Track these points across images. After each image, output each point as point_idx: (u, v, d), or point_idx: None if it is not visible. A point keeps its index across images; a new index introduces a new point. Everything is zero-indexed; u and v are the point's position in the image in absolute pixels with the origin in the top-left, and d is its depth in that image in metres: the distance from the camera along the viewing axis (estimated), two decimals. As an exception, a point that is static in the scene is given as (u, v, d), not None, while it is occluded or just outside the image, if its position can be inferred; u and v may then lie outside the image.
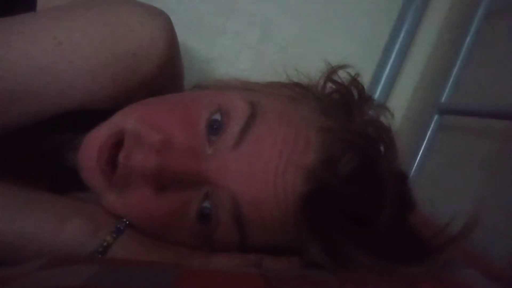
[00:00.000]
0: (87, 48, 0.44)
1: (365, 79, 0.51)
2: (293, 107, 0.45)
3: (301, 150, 0.41)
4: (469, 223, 0.38)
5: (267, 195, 0.40)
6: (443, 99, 0.81)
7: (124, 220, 0.43)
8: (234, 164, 0.40)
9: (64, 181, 0.52)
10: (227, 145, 0.41)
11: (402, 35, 0.91)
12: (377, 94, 0.91)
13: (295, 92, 0.48)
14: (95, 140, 0.43)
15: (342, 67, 0.49)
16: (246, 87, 0.50)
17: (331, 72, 0.49)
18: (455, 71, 0.80)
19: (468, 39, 0.79)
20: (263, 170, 0.40)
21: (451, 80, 0.80)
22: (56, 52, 0.43)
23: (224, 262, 0.41)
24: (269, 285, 0.30)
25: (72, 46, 0.44)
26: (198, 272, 0.32)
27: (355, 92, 0.47)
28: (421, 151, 0.80)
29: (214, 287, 0.29)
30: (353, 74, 0.48)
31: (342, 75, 0.49)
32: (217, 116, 0.42)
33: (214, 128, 0.42)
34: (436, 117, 0.80)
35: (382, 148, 0.44)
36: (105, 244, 0.41)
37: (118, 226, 0.43)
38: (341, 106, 0.46)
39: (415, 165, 0.79)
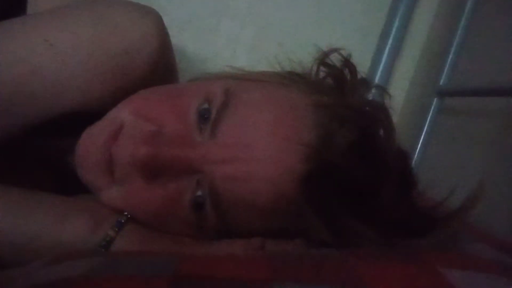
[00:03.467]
0: (78, 49, 0.44)
1: (363, 67, 0.51)
2: (281, 91, 0.45)
3: (294, 129, 0.40)
4: (472, 196, 0.37)
5: (254, 176, 0.39)
6: (441, 81, 0.80)
7: (126, 214, 0.43)
8: (214, 150, 0.40)
9: (68, 184, 0.53)
10: (209, 132, 0.41)
11: (397, 20, 0.91)
12: (376, 81, 0.91)
13: (286, 78, 0.48)
14: (92, 138, 0.44)
15: (334, 50, 0.48)
16: (233, 76, 0.50)
17: (322, 56, 0.48)
18: (452, 53, 0.80)
19: (463, 20, 0.79)
20: (245, 153, 0.39)
21: (448, 62, 0.80)
22: (48, 54, 0.43)
23: (226, 248, 0.41)
24: (271, 263, 0.30)
25: (64, 47, 0.44)
26: (199, 255, 0.31)
27: (347, 72, 0.46)
28: (423, 134, 0.79)
29: (215, 268, 0.28)
30: (344, 56, 0.48)
31: (336, 61, 0.49)
32: (206, 105, 0.42)
33: (205, 118, 0.42)
34: (436, 99, 0.80)
35: (379, 125, 0.43)
36: (108, 238, 0.41)
37: (119, 219, 0.43)
38: (334, 86, 0.45)
39: (418, 148, 0.79)
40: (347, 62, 0.47)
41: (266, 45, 0.93)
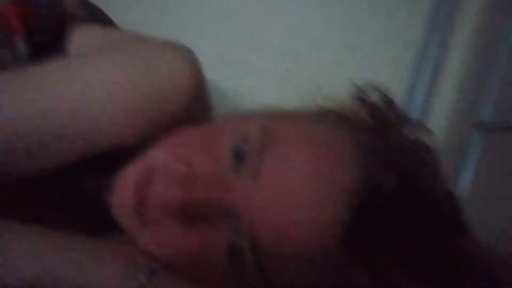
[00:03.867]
0: (116, 90, 0.45)
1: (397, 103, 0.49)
2: (320, 130, 0.43)
3: (335, 171, 0.39)
4: None
5: (295, 225, 0.37)
6: (482, 116, 0.77)
7: (160, 263, 0.42)
8: (255, 194, 0.38)
9: (101, 224, 0.52)
10: (247, 173, 0.39)
11: (432, 55, 0.89)
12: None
13: (322, 115, 0.46)
14: (126, 181, 0.43)
15: (371, 86, 0.47)
16: (267, 114, 0.49)
17: (359, 92, 0.47)
18: (494, 86, 0.77)
19: (503, 51, 0.77)
20: (286, 198, 0.38)
21: (490, 95, 0.77)
22: (88, 95, 0.44)
23: None
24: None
25: (102, 89, 0.44)
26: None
27: (386, 109, 0.45)
28: (463, 172, 0.76)
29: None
30: (383, 91, 0.46)
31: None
32: (241, 144, 0.41)
33: (240, 156, 0.40)
34: (476, 135, 0.77)
35: (426, 167, 0.41)
36: None
37: (154, 269, 0.41)
38: (373, 123, 0.44)
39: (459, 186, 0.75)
40: (386, 98, 0.45)
41: (298, 81, 0.93)
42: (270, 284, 0.40)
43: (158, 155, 0.44)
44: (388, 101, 0.46)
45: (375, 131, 0.43)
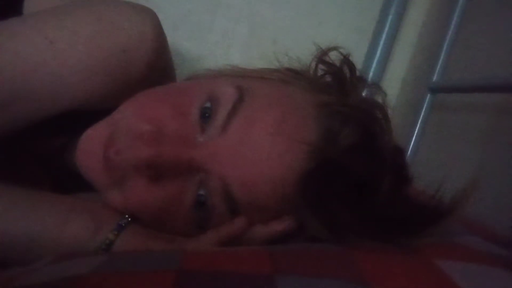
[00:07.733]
0: (78, 47, 0.44)
1: (357, 64, 0.52)
2: (285, 89, 0.45)
3: (298, 129, 0.41)
4: (465, 191, 0.38)
5: (261, 178, 0.40)
6: (434, 78, 0.81)
7: (126, 216, 0.44)
8: (223, 149, 0.40)
9: (66, 182, 0.53)
10: (217, 130, 0.41)
11: (390, 17, 0.92)
12: (369, 79, 0.91)
13: (287, 75, 0.48)
14: (94, 139, 0.44)
15: (332, 48, 0.49)
16: (236, 74, 0.50)
17: (321, 54, 0.49)
18: (444, 49, 0.81)
19: (455, 16, 0.80)
20: (253, 153, 0.40)
21: (441, 58, 0.81)
22: (48, 52, 0.43)
23: (213, 235, 0.42)
24: (272, 257, 0.30)
25: (63, 45, 0.44)
26: (203, 250, 0.32)
27: (346, 71, 0.47)
28: (416, 131, 0.80)
29: (218, 262, 0.29)
30: (344, 54, 0.48)
31: (334, 58, 0.49)
32: (208, 104, 0.42)
33: (206, 116, 0.42)
34: (428, 96, 0.81)
35: (378, 123, 0.44)
36: (107, 241, 0.41)
37: (120, 223, 0.43)
38: (334, 84, 0.46)
39: (411, 144, 0.79)
40: (346, 60, 0.47)
41: (260, 42, 0.94)
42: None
43: (123, 115, 0.45)
44: (348, 62, 0.48)
45: (335, 90, 0.45)
